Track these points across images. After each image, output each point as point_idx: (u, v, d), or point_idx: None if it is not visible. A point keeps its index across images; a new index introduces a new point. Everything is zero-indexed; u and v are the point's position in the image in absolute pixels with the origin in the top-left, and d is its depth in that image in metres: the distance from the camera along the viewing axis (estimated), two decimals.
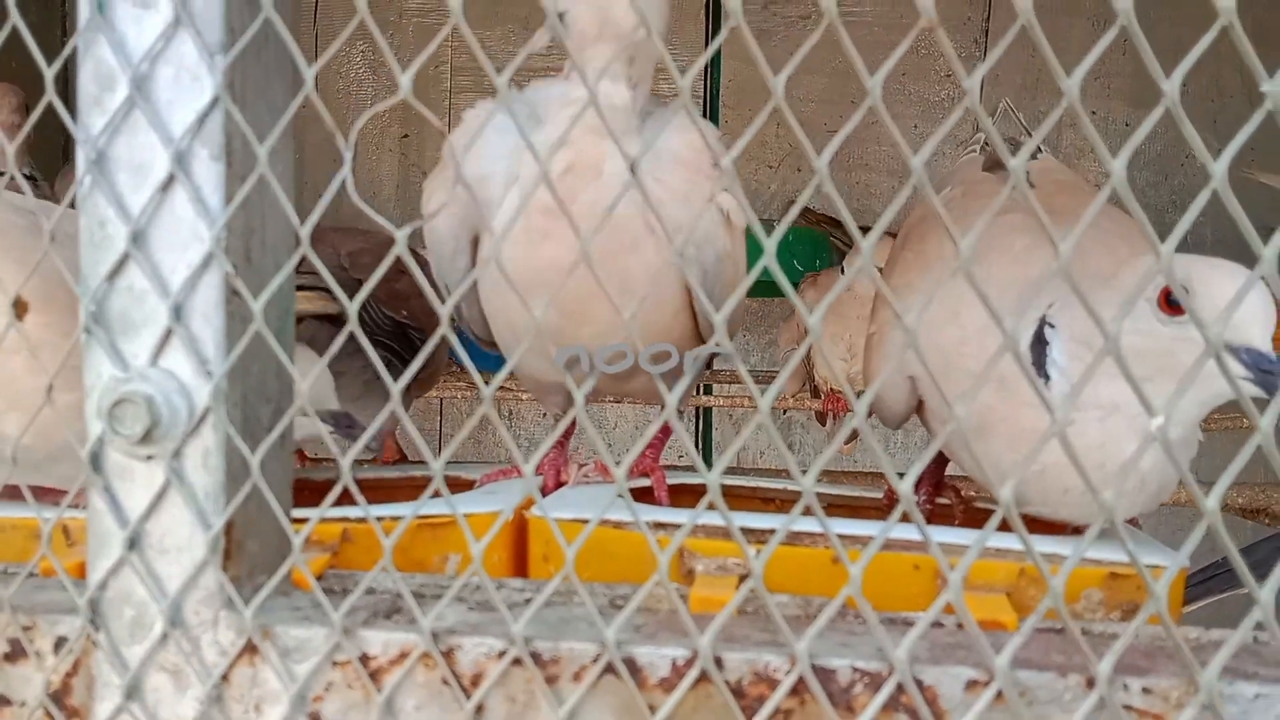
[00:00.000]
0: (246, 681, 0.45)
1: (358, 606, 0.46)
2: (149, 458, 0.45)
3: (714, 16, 2.64)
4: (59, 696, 0.47)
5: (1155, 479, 0.60)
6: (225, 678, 0.45)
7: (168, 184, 0.45)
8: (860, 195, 2.49)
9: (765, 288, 0.62)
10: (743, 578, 0.53)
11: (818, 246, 2.20)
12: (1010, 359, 0.58)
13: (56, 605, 0.49)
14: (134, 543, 0.46)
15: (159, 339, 0.45)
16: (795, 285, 1.55)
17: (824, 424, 2.01)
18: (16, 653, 0.48)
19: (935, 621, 0.47)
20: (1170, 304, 0.57)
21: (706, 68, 2.57)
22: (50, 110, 0.46)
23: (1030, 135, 1.01)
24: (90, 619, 0.46)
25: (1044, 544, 0.56)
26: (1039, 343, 0.63)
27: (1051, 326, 0.63)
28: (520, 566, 0.67)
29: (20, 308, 0.55)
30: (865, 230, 0.40)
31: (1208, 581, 1.01)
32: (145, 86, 0.45)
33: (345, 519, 0.62)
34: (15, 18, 0.47)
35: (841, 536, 0.59)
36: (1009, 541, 0.57)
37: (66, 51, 0.45)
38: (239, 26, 0.45)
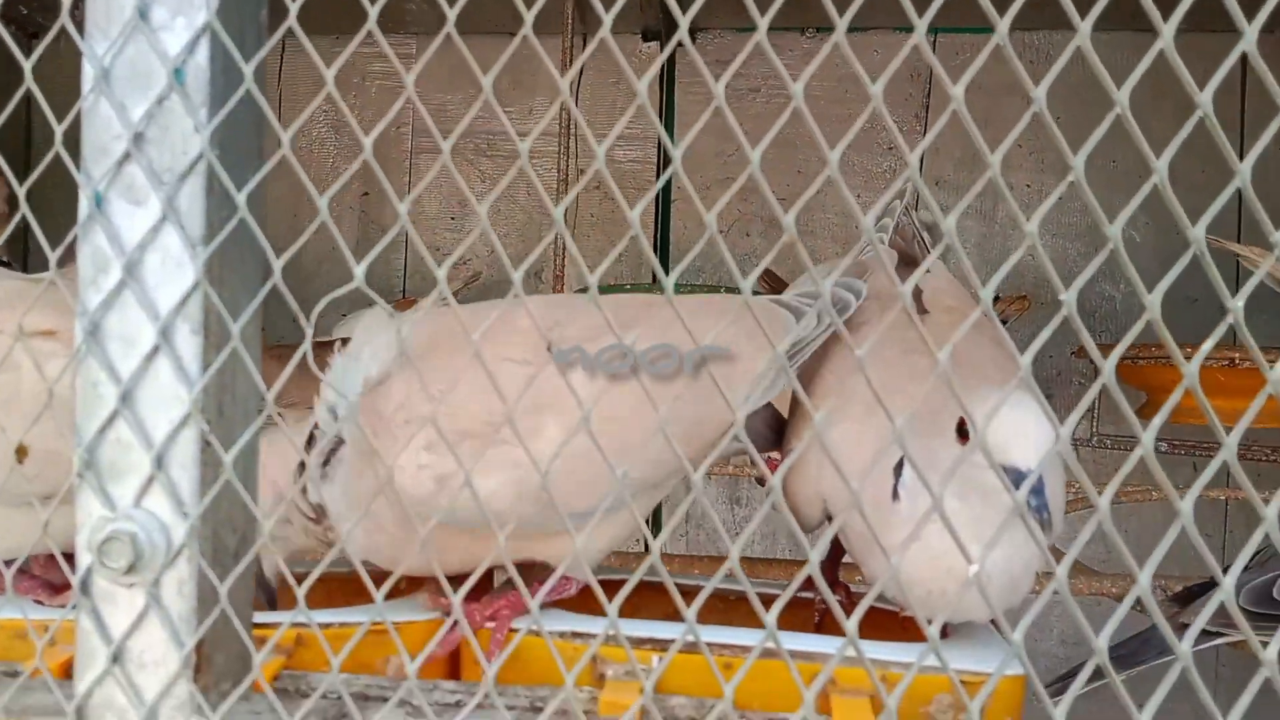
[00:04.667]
0: None
1: (310, 711, 0.54)
2: (131, 585, 0.53)
3: (668, 87, 2.76)
4: None
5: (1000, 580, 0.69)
6: None
7: (153, 353, 0.53)
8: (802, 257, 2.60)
9: None
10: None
11: None
12: (882, 486, 0.67)
13: (45, 708, 0.56)
14: (117, 658, 0.53)
15: (142, 484, 0.53)
16: None
17: (763, 484, 2.10)
18: None
19: None
20: (961, 434, 0.67)
21: (659, 137, 2.68)
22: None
23: (926, 230, 1.09)
24: None
25: (905, 653, 0.65)
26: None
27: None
28: (454, 666, 0.74)
29: (21, 453, 0.63)
30: None
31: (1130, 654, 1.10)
32: (136, 270, 0.53)
33: (298, 624, 0.69)
34: None
35: (736, 646, 0.68)
36: (876, 650, 0.66)
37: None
38: (217, 221, 0.53)
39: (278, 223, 2.46)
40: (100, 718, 0.54)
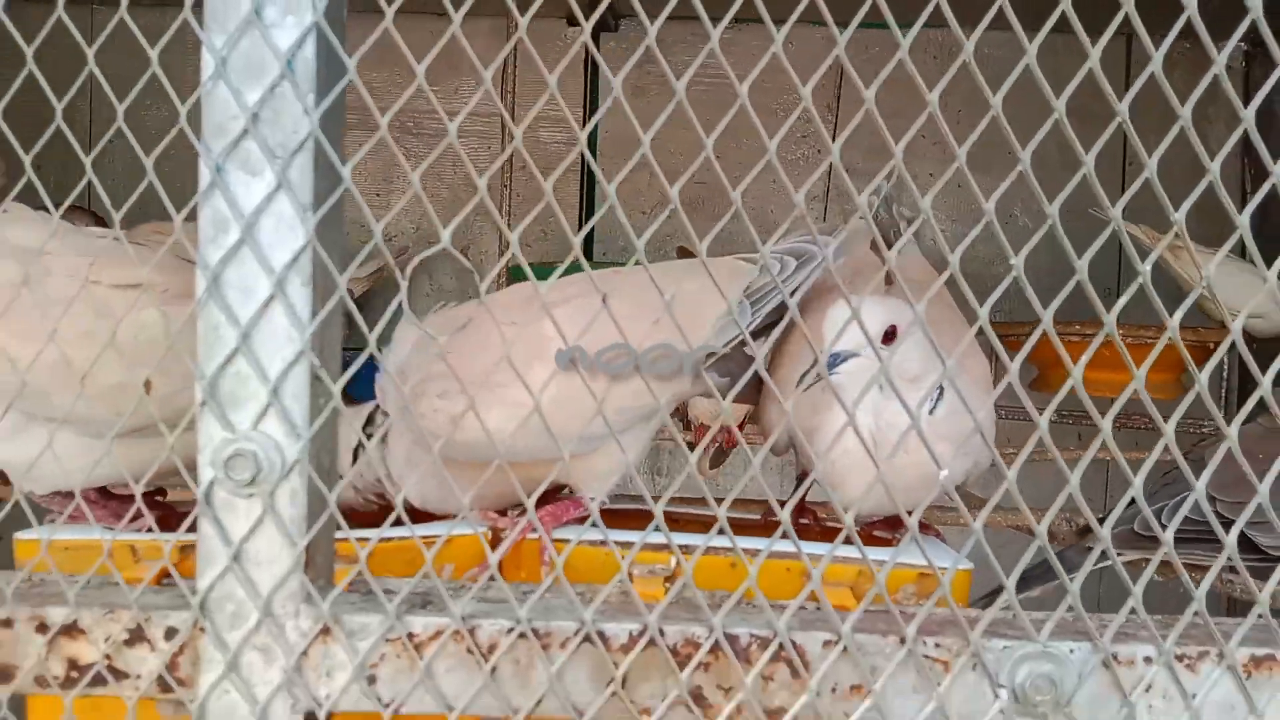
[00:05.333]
0: (320, 656, 0.63)
1: (403, 600, 0.64)
2: (250, 496, 0.63)
3: (592, 70, 2.87)
4: (169, 670, 0.64)
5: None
6: (305, 653, 0.63)
7: (269, 301, 0.62)
8: (725, 240, 2.74)
9: None
10: (667, 579, 0.74)
11: None
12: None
13: (164, 604, 0.65)
14: (236, 557, 0.63)
15: (260, 411, 0.63)
16: None
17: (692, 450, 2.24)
18: (135, 639, 0.64)
19: (803, 605, 0.68)
20: None
21: (585, 121, 2.80)
22: None
23: (906, 223, 1.23)
24: (200, 613, 0.63)
25: (876, 554, 0.79)
26: None
27: None
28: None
29: (147, 386, 0.72)
30: None
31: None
32: (252, 231, 0.62)
33: (366, 539, 0.80)
34: None
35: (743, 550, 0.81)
36: (850, 552, 0.79)
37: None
38: (322, 190, 0.63)
39: None
40: (221, 608, 0.63)
